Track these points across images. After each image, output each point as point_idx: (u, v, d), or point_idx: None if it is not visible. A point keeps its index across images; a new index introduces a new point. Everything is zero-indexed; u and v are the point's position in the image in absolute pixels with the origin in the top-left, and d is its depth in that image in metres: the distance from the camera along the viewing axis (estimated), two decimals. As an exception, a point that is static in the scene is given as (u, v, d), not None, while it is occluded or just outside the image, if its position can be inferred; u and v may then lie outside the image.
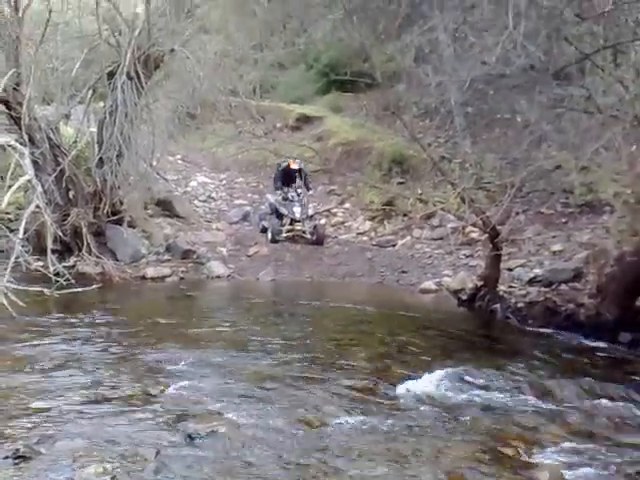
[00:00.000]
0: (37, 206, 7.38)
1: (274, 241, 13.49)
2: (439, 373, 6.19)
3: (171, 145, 14.64)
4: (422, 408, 5.55)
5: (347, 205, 15.35)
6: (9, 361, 6.57)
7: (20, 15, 11.31)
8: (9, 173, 7.34)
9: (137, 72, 11.76)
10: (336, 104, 18.86)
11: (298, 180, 14.16)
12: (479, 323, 9.02)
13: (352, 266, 12.59)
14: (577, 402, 5.76)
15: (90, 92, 12.82)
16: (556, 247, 11.15)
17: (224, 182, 17.35)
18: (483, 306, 9.15)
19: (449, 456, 4.66)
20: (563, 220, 12.00)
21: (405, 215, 13.81)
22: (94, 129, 12.54)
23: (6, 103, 11.01)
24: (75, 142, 12.38)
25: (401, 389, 5.93)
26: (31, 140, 10.81)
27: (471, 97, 9.73)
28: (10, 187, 7.04)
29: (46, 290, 6.61)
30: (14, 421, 5.05)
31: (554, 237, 11.58)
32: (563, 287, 9.28)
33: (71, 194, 12.04)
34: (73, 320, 8.31)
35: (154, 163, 13.07)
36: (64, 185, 11.85)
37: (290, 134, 18.11)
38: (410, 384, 6.01)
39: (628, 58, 7.21)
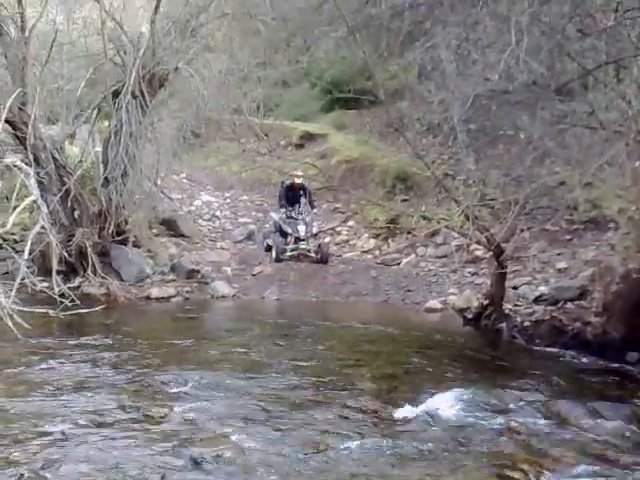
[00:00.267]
0: (42, 227, 7.36)
1: (278, 260, 13.44)
2: (446, 395, 6.14)
3: (175, 164, 14.65)
4: (429, 431, 5.50)
5: (351, 223, 15.32)
6: (13, 384, 6.55)
7: (26, 35, 11.41)
8: (14, 194, 7.35)
9: (142, 91, 11.81)
10: (339, 121, 18.90)
11: (302, 198, 14.14)
12: (485, 342, 8.96)
13: (357, 285, 12.54)
14: (586, 423, 5.69)
15: (95, 111, 12.89)
16: (561, 264, 11.11)
17: (228, 200, 17.36)
18: (489, 325, 9.10)
19: (457, 480, 4.62)
20: (568, 237, 11.95)
21: (409, 233, 13.75)
22: (99, 148, 12.58)
23: (12, 123, 11.04)
24: (80, 162, 12.43)
25: (408, 411, 5.87)
26: (36, 160, 10.85)
27: (474, 114, 9.69)
28: (15, 208, 7.05)
29: (51, 311, 6.59)
30: (19, 445, 5.02)
31: (559, 254, 11.53)
32: (569, 305, 9.20)
33: (76, 214, 12.04)
34: (78, 342, 8.29)
35: (159, 182, 13.10)
36: (69, 205, 11.85)
37: (294, 152, 18.15)
38: (417, 406, 5.95)
39: (630, 73, 7.20)
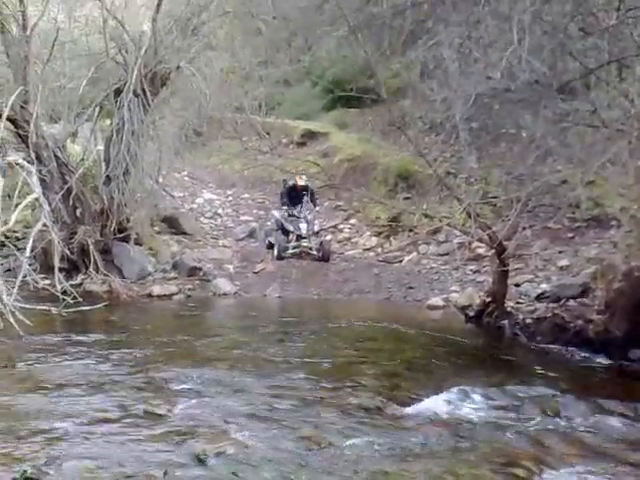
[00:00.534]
0: (44, 224, 7.38)
1: (280, 258, 13.45)
2: (448, 391, 6.14)
3: (177, 162, 14.69)
4: (432, 427, 5.49)
5: (353, 221, 15.34)
6: (16, 381, 6.56)
7: (28, 34, 11.42)
8: (16, 191, 7.35)
9: (144, 89, 11.83)
10: (341, 120, 18.90)
11: (305, 196, 14.14)
12: (487, 340, 8.96)
13: (359, 282, 12.55)
14: (588, 420, 5.70)
15: (97, 110, 12.90)
16: (563, 262, 11.12)
17: (230, 198, 17.38)
18: (491, 322, 9.09)
19: (460, 476, 4.61)
20: (570, 235, 11.96)
21: (411, 231, 13.76)
22: (101, 147, 12.60)
23: (14, 121, 11.06)
24: (82, 160, 12.44)
25: (410, 408, 5.88)
26: (38, 158, 10.88)
27: (476, 112, 9.69)
28: (17, 205, 7.05)
29: (53, 309, 6.61)
30: (21, 442, 5.00)
31: (561, 252, 11.54)
32: (571, 303, 9.21)
33: (78, 212, 12.07)
34: (80, 339, 8.30)
35: (160, 180, 13.13)
36: (71, 203, 11.89)
37: (295, 150, 18.15)
38: (419, 403, 5.96)
39: (633, 72, 7.19)
